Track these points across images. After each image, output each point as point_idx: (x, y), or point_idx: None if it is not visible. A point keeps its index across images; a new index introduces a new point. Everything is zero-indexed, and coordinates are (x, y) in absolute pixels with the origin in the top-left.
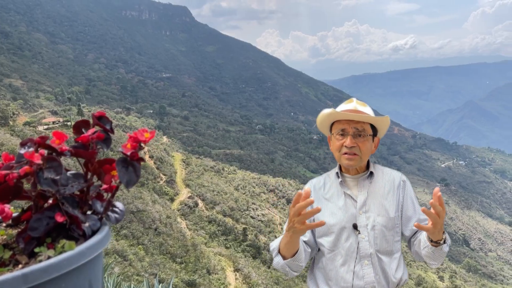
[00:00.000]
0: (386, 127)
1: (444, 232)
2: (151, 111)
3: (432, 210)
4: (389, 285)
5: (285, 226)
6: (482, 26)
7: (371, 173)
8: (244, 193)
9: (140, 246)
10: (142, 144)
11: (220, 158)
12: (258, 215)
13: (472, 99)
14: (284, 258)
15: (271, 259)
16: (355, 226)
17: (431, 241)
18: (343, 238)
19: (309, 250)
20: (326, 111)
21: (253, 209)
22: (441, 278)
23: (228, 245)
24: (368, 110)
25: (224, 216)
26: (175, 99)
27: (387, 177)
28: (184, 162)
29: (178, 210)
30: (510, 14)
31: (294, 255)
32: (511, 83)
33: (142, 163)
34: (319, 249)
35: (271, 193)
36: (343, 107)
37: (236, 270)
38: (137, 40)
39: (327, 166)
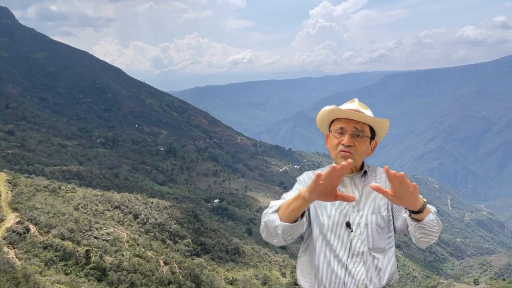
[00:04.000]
0: (385, 131)
1: (424, 204)
2: None
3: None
4: (380, 282)
5: (292, 193)
6: (306, 44)
7: (365, 172)
8: (86, 212)
9: None
10: None
11: (55, 176)
12: (102, 235)
13: (302, 109)
14: (281, 220)
15: (124, 282)
16: (348, 224)
17: (411, 215)
18: (336, 236)
19: (305, 229)
20: (327, 107)
21: (96, 228)
22: (284, 275)
23: (68, 271)
24: (369, 113)
25: (63, 239)
26: None
27: (380, 175)
28: (10, 183)
29: (5, 239)
30: (328, 36)
31: (293, 222)
32: (331, 95)
33: None
34: (311, 245)
35: (117, 210)
36: (345, 106)
37: None
38: None
39: (175, 178)
